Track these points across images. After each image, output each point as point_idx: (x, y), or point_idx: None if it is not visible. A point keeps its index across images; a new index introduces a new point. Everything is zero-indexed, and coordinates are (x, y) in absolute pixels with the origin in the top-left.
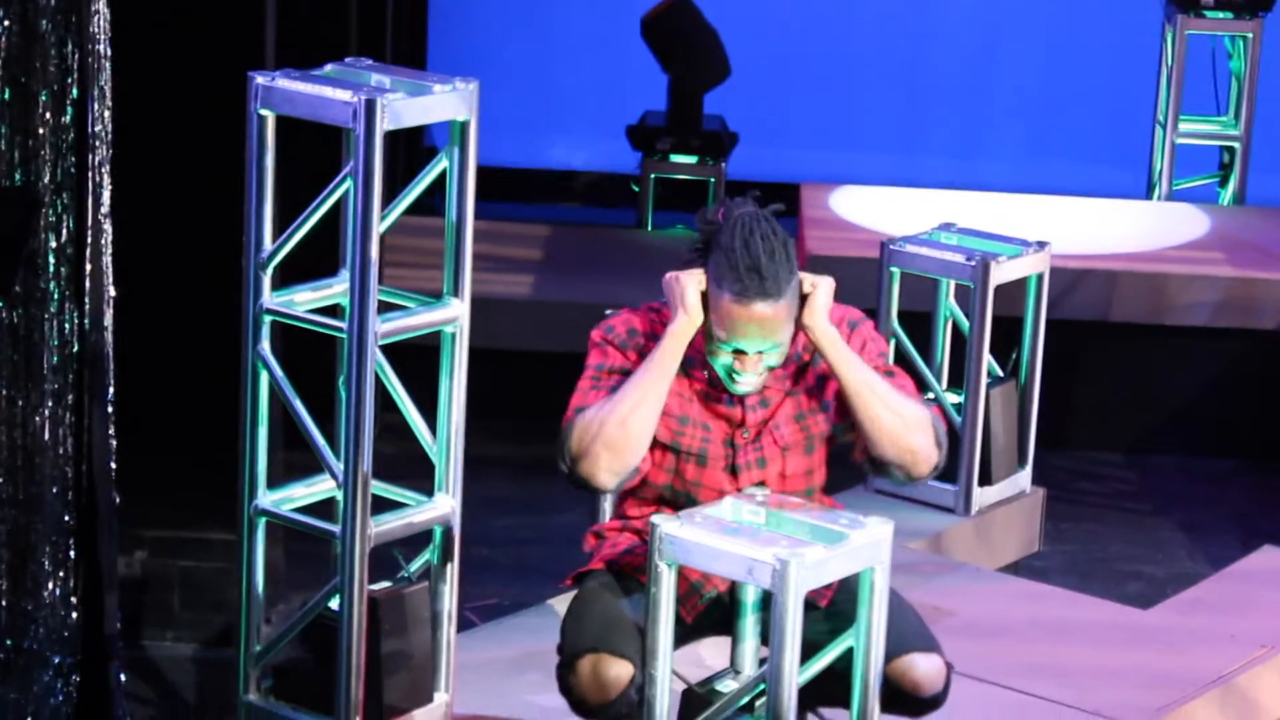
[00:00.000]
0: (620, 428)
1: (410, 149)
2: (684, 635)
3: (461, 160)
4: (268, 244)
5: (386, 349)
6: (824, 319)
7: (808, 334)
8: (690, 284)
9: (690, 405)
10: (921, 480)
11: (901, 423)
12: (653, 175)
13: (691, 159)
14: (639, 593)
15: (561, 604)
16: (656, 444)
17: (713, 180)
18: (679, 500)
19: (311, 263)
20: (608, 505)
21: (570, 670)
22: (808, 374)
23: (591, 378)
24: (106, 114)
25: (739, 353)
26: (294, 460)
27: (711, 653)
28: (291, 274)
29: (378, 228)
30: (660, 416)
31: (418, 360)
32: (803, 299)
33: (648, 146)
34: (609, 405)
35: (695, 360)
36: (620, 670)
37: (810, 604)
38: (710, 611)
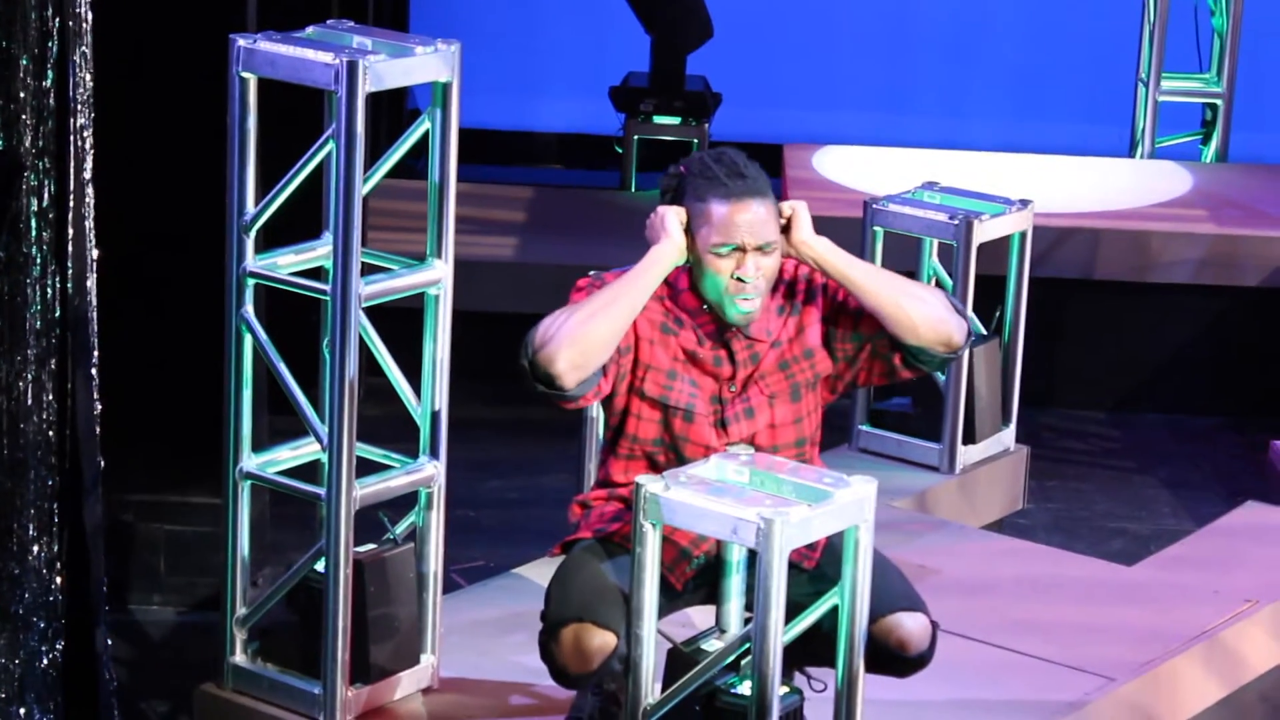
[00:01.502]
0: (586, 319)
1: (393, 111)
2: (672, 602)
3: (444, 122)
4: (250, 207)
5: (371, 312)
6: (812, 234)
7: (802, 254)
8: (670, 213)
9: (678, 363)
10: (961, 350)
11: (926, 304)
12: (636, 136)
13: (674, 120)
14: (625, 558)
15: (547, 567)
16: (645, 398)
17: (696, 141)
18: (667, 456)
19: (295, 226)
20: (592, 468)
21: (553, 638)
22: (788, 324)
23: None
24: (88, 78)
25: (739, 253)
26: (279, 424)
27: (698, 614)
28: (275, 237)
29: (360, 190)
30: (649, 371)
31: (402, 323)
32: (785, 228)
33: (631, 108)
34: (577, 307)
35: (685, 321)
36: (603, 640)
37: (795, 566)
38: (700, 577)
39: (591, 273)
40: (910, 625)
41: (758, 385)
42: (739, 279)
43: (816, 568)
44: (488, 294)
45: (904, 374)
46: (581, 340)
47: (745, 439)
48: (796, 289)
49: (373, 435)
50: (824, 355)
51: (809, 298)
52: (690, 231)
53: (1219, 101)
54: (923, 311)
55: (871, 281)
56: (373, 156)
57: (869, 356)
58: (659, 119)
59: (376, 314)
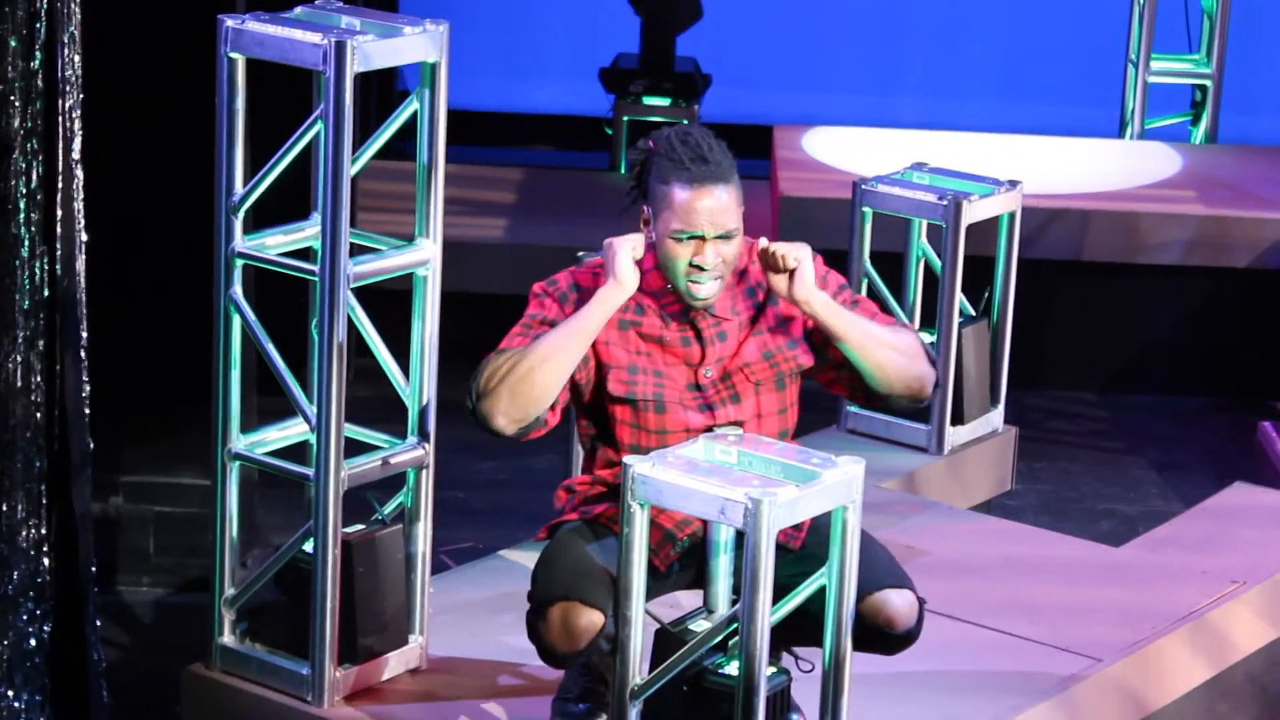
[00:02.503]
0: (526, 375)
1: (383, 92)
2: (658, 584)
3: (432, 102)
4: (239, 188)
5: (360, 293)
6: (815, 290)
7: (797, 302)
8: (624, 250)
9: (639, 357)
10: (927, 400)
11: (905, 359)
12: (626, 117)
13: (664, 101)
14: (611, 540)
15: (536, 549)
16: (614, 399)
17: (686, 122)
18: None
19: (285, 206)
20: (581, 451)
21: (540, 617)
22: (768, 313)
23: (524, 325)
24: (76, 59)
25: (698, 241)
26: (268, 405)
27: (685, 595)
28: (266, 218)
29: (349, 170)
30: (611, 371)
31: (392, 304)
32: (790, 273)
33: (620, 89)
34: (522, 352)
35: (648, 305)
36: (591, 619)
37: (781, 547)
38: (685, 560)
39: (550, 278)
40: (897, 602)
41: (742, 372)
42: (696, 265)
43: (803, 548)
44: (478, 275)
45: (860, 401)
46: (521, 396)
47: (733, 421)
48: (761, 278)
49: (362, 416)
50: (806, 349)
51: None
52: (653, 212)
53: (1208, 83)
54: (901, 370)
55: (861, 340)
56: (363, 137)
57: (844, 372)
58: (649, 100)
59: (366, 295)
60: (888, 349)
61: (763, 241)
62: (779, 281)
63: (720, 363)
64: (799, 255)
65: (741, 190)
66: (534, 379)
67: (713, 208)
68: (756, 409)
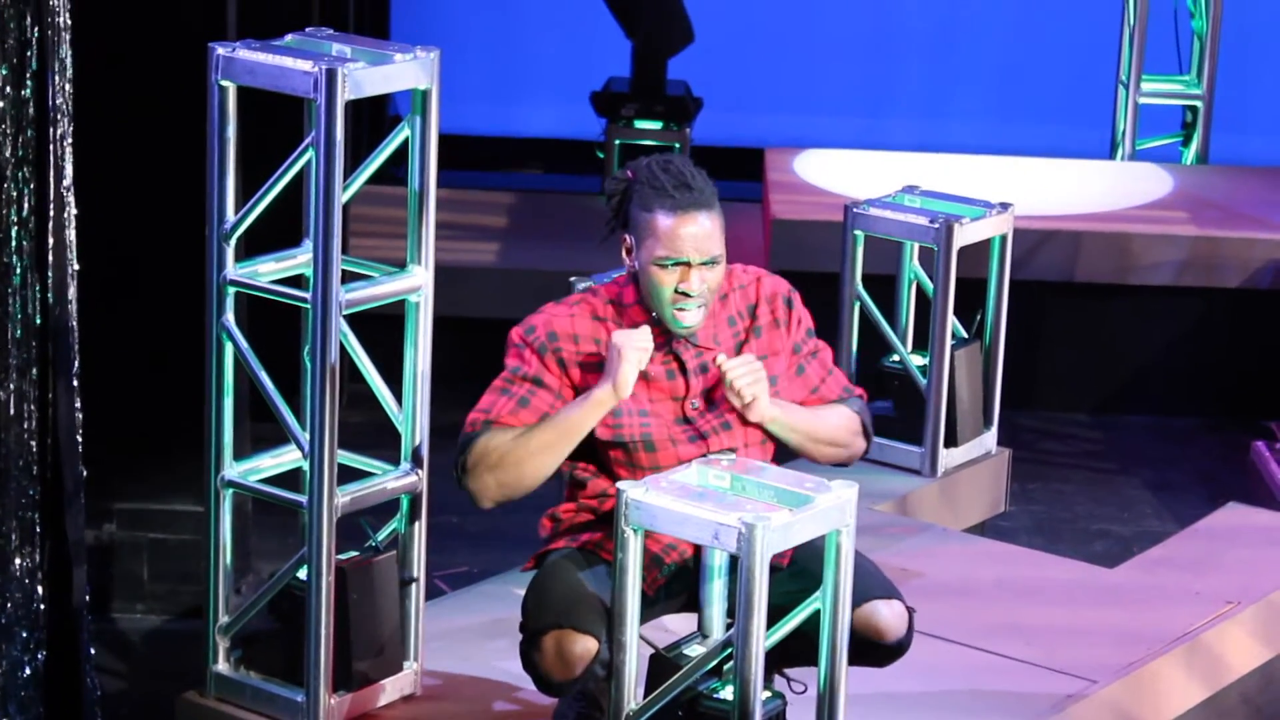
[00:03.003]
0: (514, 467)
1: (375, 118)
2: (646, 609)
3: (423, 128)
4: (230, 215)
5: (353, 319)
6: (767, 414)
7: (761, 421)
8: (630, 361)
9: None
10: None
11: (838, 450)
12: (617, 141)
13: (656, 125)
14: (601, 566)
15: (530, 574)
16: (603, 444)
17: (677, 145)
18: None
19: (277, 233)
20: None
21: (534, 647)
22: (753, 344)
23: (505, 380)
24: (67, 87)
25: (684, 267)
26: (261, 432)
27: (678, 620)
28: (259, 245)
29: (340, 197)
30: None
31: (385, 330)
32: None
33: (612, 112)
34: (513, 444)
35: None
36: (585, 646)
37: (774, 567)
38: (672, 585)
39: (526, 322)
40: (886, 613)
41: (727, 401)
42: (682, 293)
43: (792, 564)
44: (471, 299)
45: None
46: (508, 486)
47: (726, 449)
48: (759, 308)
49: (355, 442)
50: (786, 389)
51: (776, 324)
52: (635, 240)
53: (1199, 103)
54: (836, 458)
55: (802, 441)
56: (354, 163)
57: None
58: (640, 124)
59: (359, 321)
60: (826, 445)
61: (721, 358)
62: (734, 400)
63: (705, 394)
64: (755, 391)
65: (723, 218)
66: (522, 472)
67: (697, 234)
68: (745, 439)
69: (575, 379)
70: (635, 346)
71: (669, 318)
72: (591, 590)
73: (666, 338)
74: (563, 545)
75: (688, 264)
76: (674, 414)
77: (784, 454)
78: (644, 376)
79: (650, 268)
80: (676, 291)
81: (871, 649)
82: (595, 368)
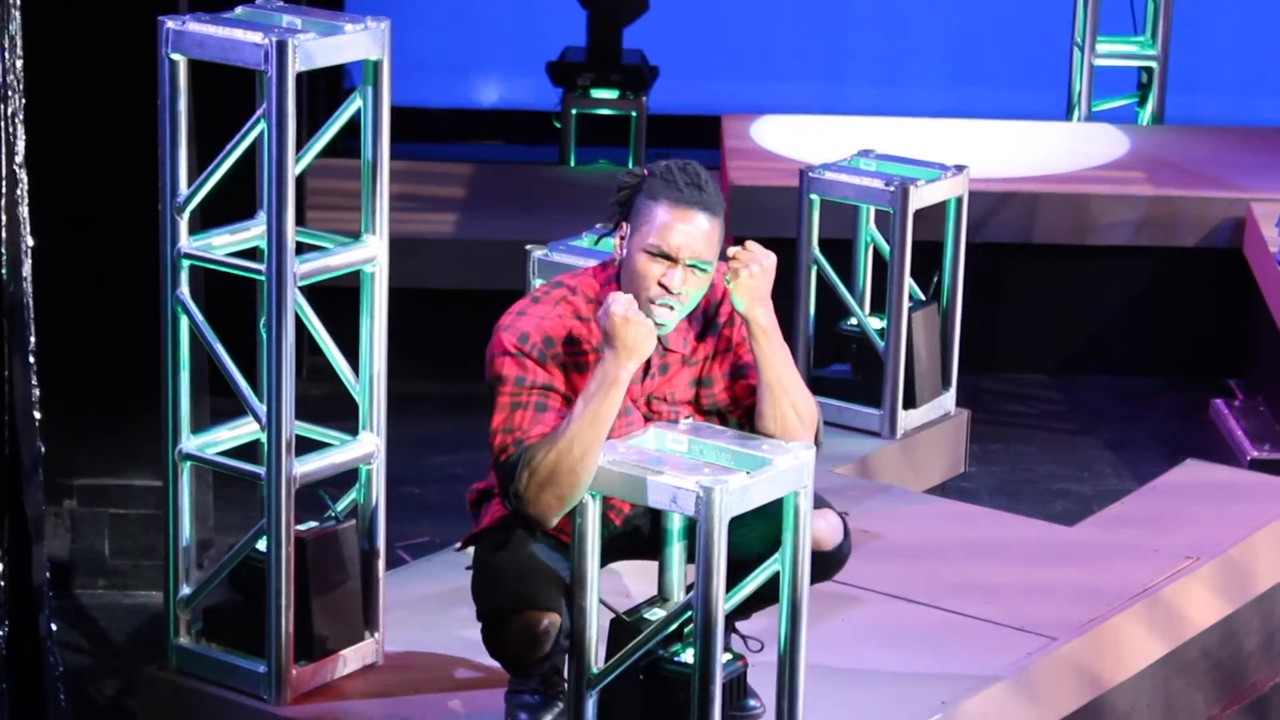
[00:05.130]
0: (569, 477)
1: (330, 91)
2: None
3: (375, 99)
4: (183, 188)
5: (313, 293)
6: (767, 306)
7: (747, 319)
8: (632, 312)
9: None
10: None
11: (798, 424)
12: (574, 111)
13: (612, 93)
14: (541, 541)
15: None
16: None
17: (634, 114)
18: None
19: (234, 206)
20: None
21: (499, 630)
22: (699, 349)
23: (511, 394)
24: (18, 63)
25: (670, 262)
26: (221, 405)
27: (638, 584)
28: (216, 219)
29: (292, 169)
30: None
31: (346, 303)
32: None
33: (568, 82)
34: (557, 456)
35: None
36: (550, 621)
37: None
38: (615, 545)
39: (515, 329)
40: (819, 525)
41: (665, 401)
42: (663, 286)
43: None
44: (429, 271)
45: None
46: (570, 496)
47: None
48: (719, 312)
49: (316, 415)
50: (726, 387)
51: (729, 325)
52: (632, 227)
53: (1154, 64)
54: (790, 431)
55: (775, 381)
56: (311, 136)
57: (742, 415)
58: (596, 93)
59: (317, 293)
60: (791, 407)
61: (734, 249)
62: (731, 280)
63: (648, 398)
64: (765, 265)
65: (723, 234)
66: (576, 479)
67: (693, 233)
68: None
69: (574, 382)
70: (620, 303)
71: (644, 311)
72: (543, 562)
73: None
74: (491, 522)
75: (675, 260)
76: (642, 413)
77: None
78: None
79: (638, 254)
80: (659, 285)
81: (814, 562)
82: (587, 369)
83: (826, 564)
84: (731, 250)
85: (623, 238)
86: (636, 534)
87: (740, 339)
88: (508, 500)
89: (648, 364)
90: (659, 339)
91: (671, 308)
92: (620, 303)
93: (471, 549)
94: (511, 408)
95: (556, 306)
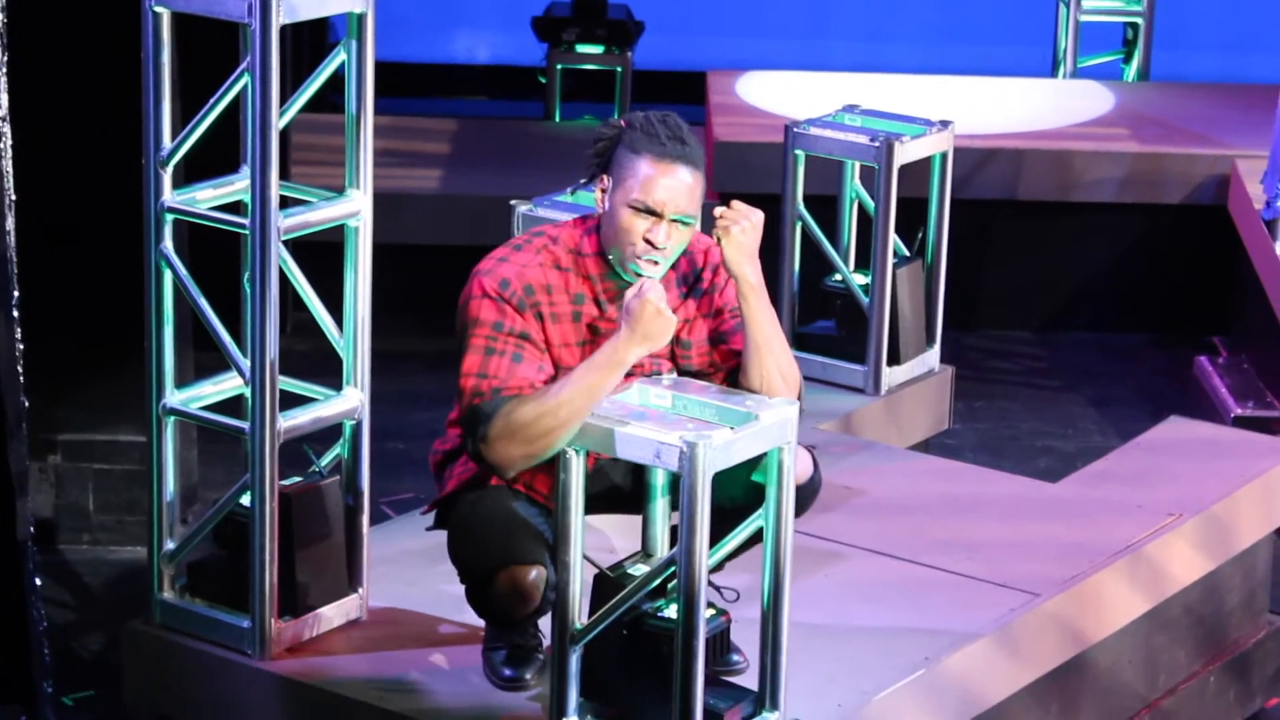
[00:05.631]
0: (544, 439)
1: (315, 45)
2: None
3: (359, 53)
4: (167, 142)
5: (297, 248)
6: (755, 265)
7: (736, 277)
8: (670, 324)
9: (585, 349)
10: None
11: (782, 385)
12: (559, 66)
13: (598, 49)
14: (513, 498)
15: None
16: None
17: (619, 70)
18: None
19: (220, 160)
20: None
21: (487, 588)
22: (689, 305)
23: (488, 338)
24: (0, 19)
25: (655, 217)
26: (207, 360)
27: (621, 540)
28: (202, 173)
29: (276, 122)
30: (560, 372)
31: (331, 258)
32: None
33: (553, 37)
34: (538, 415)
35: (585, 292)
36: (537, 574)
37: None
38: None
39: (496, 274)
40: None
41: (642, 366)
42: (649, 241)
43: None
44: (414, 226)
45: None
46: (536, 454)
47: None
48: (703, 277)
49: (300, 370)
50: (704, 352)
51: (711, 290)
52: (614, 181)
53: (1139, 20)
54: (773, 381)
55: (762, 341)
56: (295, 90)
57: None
58: (582, 48)
59: (302, 249)
60: (776, 367)
61: (720, 209)
62: (723, 237)
63: None
64: (753, 220)
65: (704, 187)
66: (550, 442)
67: (677, 188)
68: None
69: (553, 333)
70: (654, 294)
71: (624, 268)
72: (523, 518)
73: (619, 290)
74: (456, 485)
75: (659, 214)
76: None
77: None
78: (594, 332)
79: (622, 209)
80: (644, 237)
81: None
82: (568, 319)
83: (800, 498)
84: (719, 210)
85: (604, 190)
86: (614, 490)
87: (723, 304)
88: (470, 441)
89: None
90: None
91: (656, 262)
92: (656, 292)
93: (434, 514)
94: (486, 352)
95: (538, 255)
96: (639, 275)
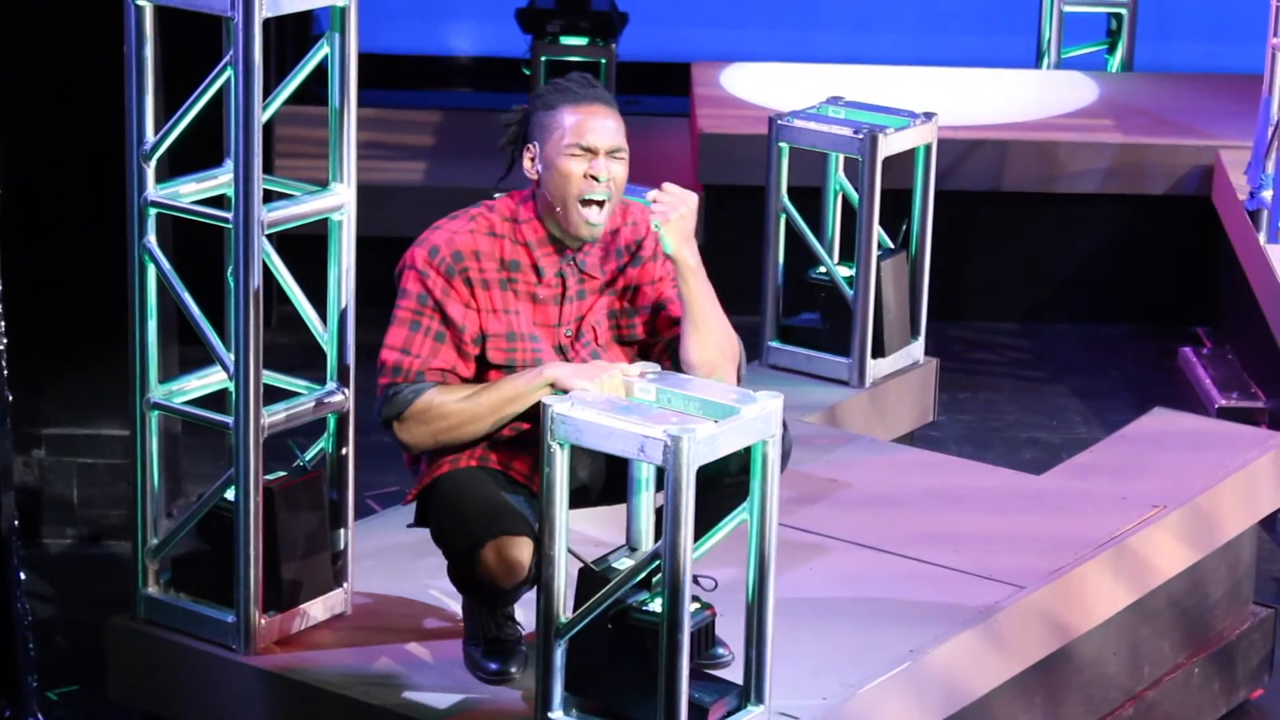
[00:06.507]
0: (457, 430)
1: (298, 37)
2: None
3: (342, 46)
4: (150, 136)
5: (281, 241)
6: (693, 249)
7: (675, 260)
8: (616, 381)
9: (515, 318)
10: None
11: (722, 359)
12: (543, 58)
13: (582, 40)
14: (499, 475)
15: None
16: (493, 366)
17: (604, 61)
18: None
19: (204, 154)
20: None
21: (473, 562)
22: (628, 274)
23: (414, 311)
24: None
25: (592, 155)
26: (192, 354)
27: (606, 532)
28: (186, 167)
29: (259, 116)
30: (490, 339)
31: (315, 251)
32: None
33: (538, 29)
34: (458, 407)
35: (522, 260)
36: (523, 545)
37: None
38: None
39: (427, 242)
40: None
41: (594, 331)
42: (592, 177)
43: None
44: (398, 219)
45: None
46: (446, 441)
47: None
48: (644, 245)
49: (284, 363)
50: (645, 321)
51: (654, 256)
52: (540, 142)
53: (1124, 11)
54: (712, 365)
55: (702, 319)
56: (279, 83)
57: (665, 354)
58: (566, 40)
59: (286, 242)
60: (715, 344)
61: (652, 193)
62: (660, 224)
63: (576, 321)
64: (687, 202)
65: (624, 126)
66: (463, 433)
67: (604, 123)
68: (618, 359)
69: (482, 299)
70: (617, 379)
71: (574, 215)
72: (502, 497)
73: (558, 256)
74: (447, 468)
75: (595, 151)
76: (552, 341)
77: None
78: (534, 299)
79: (559, 159)
80: (586, 177)
81: None
82: (502, 285)
83: None
84: (652, 194)
85: (533, 157)
86: (581, 489)
87: (663, 274)
88: (383, 414)
89: (565, 288)
90: (576, 264)
91: (601, 203)
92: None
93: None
94: (411, 326)
95: (470, 222)
96: (591, 225)
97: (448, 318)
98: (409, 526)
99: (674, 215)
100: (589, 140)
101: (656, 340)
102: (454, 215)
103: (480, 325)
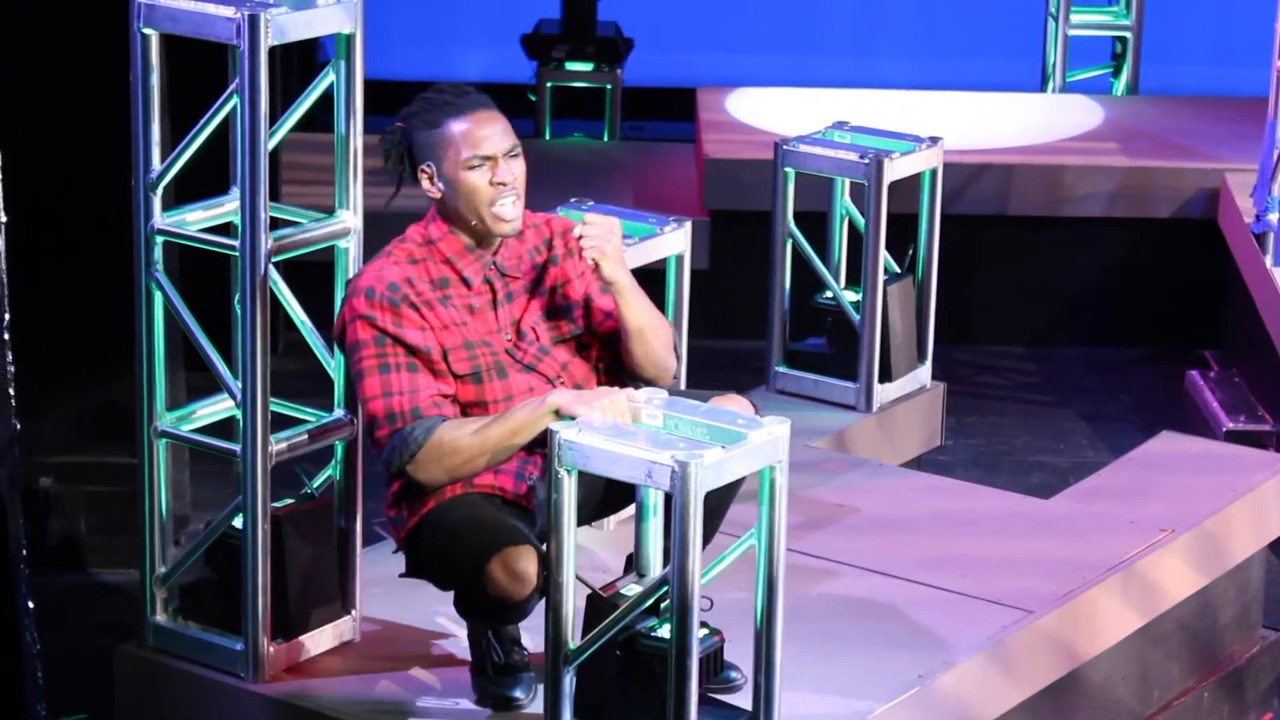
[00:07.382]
0: (470, 464)
1: (304, 65)
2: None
3: (349, 73)
4: (156, 164)
5: (288, 268)
6: (625, 269)
7: (612, 283)
8: (615, 410)
9: (464, 329)
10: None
11: (665, 354)
12: (549, 84)
13: (587, 66)
14: (483, 499)
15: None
16: (460, 377)
17: (609, 87)
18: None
19: (210, 182)
20: None
21: (481, 580)
22: (550, 272)
23: (377, 355)
24: None
25: (491, 162)
26: (199, 381)
27: (614, 559)
28: (192, 195)
29: (265, 144)
30: (450, 352)
31: (322, 277)
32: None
33: (543, 55)
34: (469, 441)
35: (450, 275)
36: (528, 557)
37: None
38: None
39: (360, 288)
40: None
41: (534, 331)
42: (499, 183)
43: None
44: None
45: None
46: (460, 475)
47: (557, 374)
48: (554, 241)
49: (291, 391)
50: (580, 313)
51: (569, 254)
52: (435, 162)
53: (1128, 34)
54: (656, 358)
55: (640, 327)
56: (284, 110)
57: (604, 349)
58: (571, 65)
59: (292, 269)
60: (657, 340)
61: (579, 228)
62: (587, 255)
63: (514, 324)
64: (611, 227)
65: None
66: (476, 466)
67: (494, 128)
68: (565, 358)
69: (430, 318)
70: (619, 406)
71: (491, 221)
72: (496, 514)
73: (480, 264)
74: (432, 504)
75: (493, 157)
76: (502, 345)
77: (734, 387)
78: (471, 310)
79: (460, 174)
80: (492, 184)
81: None
82: (442, 302)
83: None
84: (578, 229)
85: (430, 176)
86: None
87: (584, 269)
88: (395, 462)
89: (495, 293)
90: (497, 267)
91: (513, 201)
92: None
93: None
94: (381, 370)
95: (388, 258)
96: (507, 222)
97: (411, 347)
98: (401, 577)
99: (609, 247)
100: (486, 149)
101: (594, 335)
102: (368, 263)
103: (439, 342)
